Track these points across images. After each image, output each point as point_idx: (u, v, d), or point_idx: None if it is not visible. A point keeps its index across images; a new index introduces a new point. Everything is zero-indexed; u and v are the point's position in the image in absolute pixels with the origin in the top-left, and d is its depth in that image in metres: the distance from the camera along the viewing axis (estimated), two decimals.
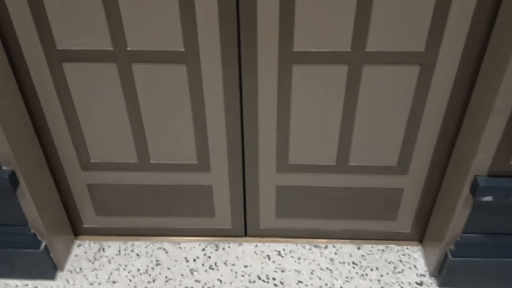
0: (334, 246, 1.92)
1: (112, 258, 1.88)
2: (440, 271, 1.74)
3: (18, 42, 1.39)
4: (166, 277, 1.81)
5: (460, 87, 1.45)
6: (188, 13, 1.33)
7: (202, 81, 1.47)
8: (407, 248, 1.91)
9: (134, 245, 1.93)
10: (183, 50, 1.40)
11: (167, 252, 1.90)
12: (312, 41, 1.38)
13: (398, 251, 1.90)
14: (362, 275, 1.82)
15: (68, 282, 1.80)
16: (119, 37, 1.38)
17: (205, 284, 1.79)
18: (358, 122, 1.55)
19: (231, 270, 1.84)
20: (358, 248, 1.91)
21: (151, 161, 1.69)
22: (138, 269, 1.84)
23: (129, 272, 1.83)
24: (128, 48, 1.40)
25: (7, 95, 1.43)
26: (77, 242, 1.94)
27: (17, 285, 1.79)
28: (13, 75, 1.45)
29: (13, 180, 1.50)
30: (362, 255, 1.89)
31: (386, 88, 1.47)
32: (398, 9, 1.30)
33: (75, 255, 1.89)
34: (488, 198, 1.47)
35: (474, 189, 1.47)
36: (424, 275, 1.81)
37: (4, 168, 1.50)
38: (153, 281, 1.80)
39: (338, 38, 1.36)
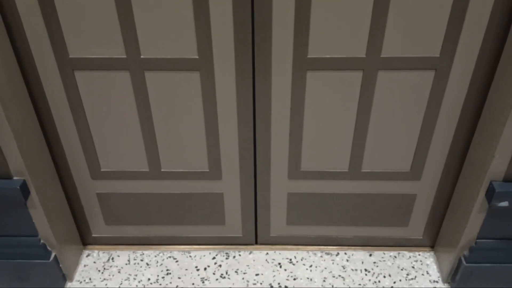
0: (345, 253, 1.91)
1: (122, 267, 1.86)
2: (454, 277, 1.73)
3: (30, 50, 1.38)
4: (177, 286, 1.79)
5: (474, 92, 1.45)
6: (202, 20, 1.32)
7: (215, 88, 1.46)
8: (419, 255, 1.90)
9: (143, 254, 1.91)
10: (197, 57, 1.39)
11: (177, 261, 1.88)
12: (326, 47, 1.37)
13: (410, 257, 1.89)
14: (375, 282, 1.80)
15: None
16: (132, 45, 1.36)
17: None
18: (371, 128, 1.55)
19: (243, 278, 1.82)
20: (370, 255, 1.90)
21: (162, 169, 1.68)
22: (149, 279, 1.82)
23: (139, 282, 1.81)
24: (142, 56, 1.39)
25: (20, 106, 1.42)
26: (86, 252, 1.92)
27: None
28: (24, 84, 1.44)
29: (24, 190, 1.48)
30: (374, 262, 1.87)
31: (400, 94, 1.46)
32: (414, 15, 1.30)
33: (84, 265, 1.87)
34: (504, 204, 1.47)
35: (490, 194, 1.46)
36: (437, 281, 1.80)
37: (15, 178, 1.48)
38: None
39: (353, 44, 1.36)
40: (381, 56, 1.38)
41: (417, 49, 1.36)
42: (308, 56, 1.39)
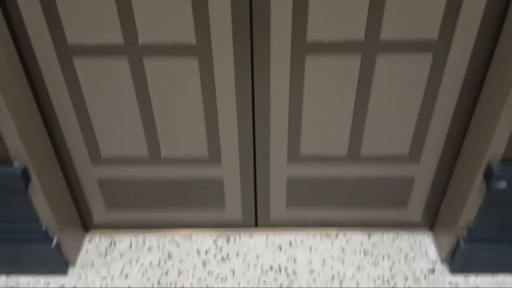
0: (344, 235, 1.93)
1: (124, 252, 1.88)
2: (452, 257, 1.75)
3: (29, 37, 1.37)
4: (178, 269, 1.82)
5: (473, 74, 1.45)
6: (200, 5, 1.31)
7: (214, 73, 1.46)
8: (417, 236, 1.92)
9: (145, 238, 1.93)
10: (195, 42, 1.39)
11: (178, 245, 1.90)
12: (325, 31, 1.37)
13: (409, 238, 1.91)
14: (374, 263, 1.83)
15: (80, 277, 1.80)
16: (130, 30, 1.36)
17: (218, 275, 1.80)
18: (370, 111, 1.55)
19: (243, 261, 1.84)
20: (369, 237, 1.92)
21: (162, 155, 1.68)
22: (150, 262, 1.84)
23: (141, 266, 1.83)
24: (140, 42, 1.38)
25: (18, 92, 1.42)
26: (88, 237, 1.94)
27: (29, 282, 1.79)
28: (23, 71, 1.43)
29: (25, 176, 1.49)
30: (373, 243, 1.89)
31: (399, 77, 1.46)
32: None
33: (86, 250, 1.89)
34: (502, 185, 1.48)
35: (488, 176, 1.48)
36: (435, 262, 1.82)
37: (16, 164, 1.48)
38: (166, 273, 1.80)
39: (351, 27, 1.36)
40: (380, 38, 1.37)
41: (416, 31, 1.36)
42: (307, 40, 1.39)
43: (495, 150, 1.44)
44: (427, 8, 1.31)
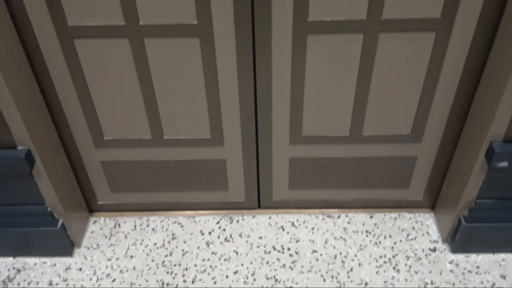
0: (347, 216, 1.94)
1: (128, 233, 1.90)
2: (453, 237, 1.77)
3: (29, 20, 1.37)
4: (182, 250, 1.84)
5: (475, 54, 1.44)
6: None
7: (215, 54, 1.46)
8: (419, 215, 1.93)
9: (149, 220, 1.95)
10: (196, 23, 1.38)
11: (182, 226, 1.92)
12: (327, 10, 1.36)
13: (410, 218, 1.93)
14: (376, 243, 1.85)
15: (86, 258, 1.82)
16: (131, 11, 1.35)
17: (222, 255, 1.82)
18: (372, 92, 1.55)
19: (246, 241, 1.86)
20: (371, 217, 1.93)
21: (165, 137, 1.69)
22: (155, 243, 1.86)
23: (146, 247, 1.85)
24: (140, 23, 1.38)
25: (20, 75, 1.42)
26: (92, 219, 1.96)
27: (35, 263, 1.81)
28: (24, 55, 1.43)
29: (29, 159, 1.50)
30: (375, 224, 1.91)
31: (401, 56, 1.46)
32: None
33: (91, 232, 1.91)
34: (504, 164, 1.49)
35: (490, 155, 1.48)
36: (437, 241, 1.84)
37: (20, 147, 1.49)
38: (170, 254, 1.83)
39: (353, 6, 1.35)
40: (382, 18, 1.36)
41: (418, 10, 1.35)
42: (309, 20, 1.38)
43: (497, 129, 1.44)
44: None
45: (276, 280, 1.74)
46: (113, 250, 1.85)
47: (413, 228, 1.89)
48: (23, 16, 1.36)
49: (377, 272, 1.75)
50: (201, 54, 1.46)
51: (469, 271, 1.75)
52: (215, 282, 1.74)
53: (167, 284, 1.74)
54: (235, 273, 1.76)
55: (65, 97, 1.57)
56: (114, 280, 1.76)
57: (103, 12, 1.36)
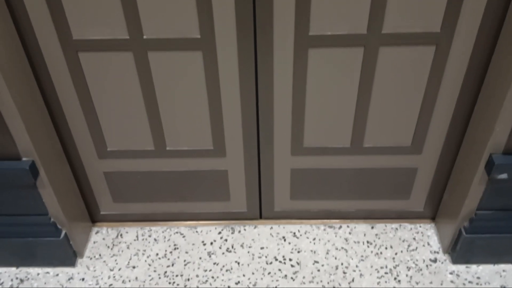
0: (348, 226, 1.95)
1: (131, 243, 1.91)
2: (454, 247, 1.78)
3: (34, 33, 1.39)
4: (184, 260, 1.85)
5: (475, 66, 1.46)
6: (204, 0, 1.33)
7: (218, 67, 1.48)
8: (420, 226, 1.94)
9: (151, 230, 1.96)
10: (199, 36, 1.40)
11: (184, 237, 1.93)
12: (328, 24, 1.38)
13: (411, 229, 1.93)
14: (377, 253, 1.85)
15: (88, 268, 1.83)
16: (135, 25, 1.37)
17: (223, 266, 1.82)
18: (373, 104, 1.57)
19: (248, 252, 1.87)
20: (372, 228, 1.94)
21: (167, 148, 1.71)
22: (157, 254, 1.87)
23: (148, 257, 1.86)
24: (144, 37, 1.40)
25: (25, 88, 1.44)
26: (95, 229, 1.97)
27: (38, 273, 1.82)
28: (29, 67, 1.45)
29: (34, 170, 1.51)
30: (376, 234, 1.92)
31: (401, 69, 1.48)
32: None
33: (94, 242, 1.92)
34: (503, 176, 1.50)
35: (490, 166, 1.49)
36: (437, 252, 1.85)
37: (24, 159, 1.51)
38: (172, 265, 1.84)
39: (354, 20, 1.37)
40: (382, 32, 1.38)
41: (418, 24, 1.37)
42: (310, 34, 1.40)
43: (497, 141, 1.46)
44: (429, 1, 1.32)
45: None
46: (116, 260, 1.86)
47: (414, 238, 1.90)
48: (28, 28, 1.38)
49: (378, 283, 1.76)
50: (204, 67, 1.48)
51: (470, 282, 1.75)
52: None
53: None
54: (236, 283, 1.77)
55: (69, 109, 1.59)
56: None
57: (108, 25, 1.38)
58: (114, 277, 1.80)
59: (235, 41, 1.42)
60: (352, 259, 1.84)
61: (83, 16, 1.36)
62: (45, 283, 1.79)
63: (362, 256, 1.85)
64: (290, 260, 1.84)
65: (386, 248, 1.87)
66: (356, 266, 1.81)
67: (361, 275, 1.78)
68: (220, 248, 1.89)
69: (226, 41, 1.42)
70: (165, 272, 1.81)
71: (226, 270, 1.81)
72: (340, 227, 1.95)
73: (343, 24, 1.38)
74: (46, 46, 1.43)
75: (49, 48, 1.43)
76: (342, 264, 1.82)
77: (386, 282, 1.76)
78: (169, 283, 1.78)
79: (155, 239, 1.92)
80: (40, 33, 1.40)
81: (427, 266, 1.80)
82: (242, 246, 1.89)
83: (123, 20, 1.37)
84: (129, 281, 1.79)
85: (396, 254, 1.85)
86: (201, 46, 1.42)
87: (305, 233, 1.93)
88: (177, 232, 1.95)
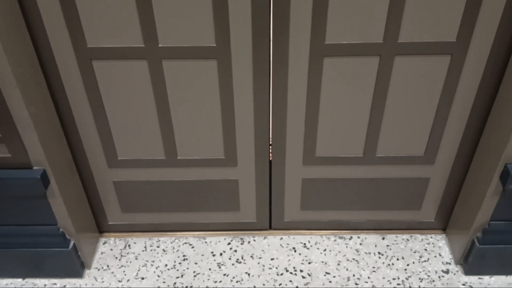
0: (359, 237, 1.93)
1: (139, 254, 1.89)
2: (466, 258, 1.76)
3: (48, 41, 1.38)
4: (194, 271, 1.82)
5: (490, 76, 1.46)
6: (220, 8, 1.32)
7: (232, 76, 1.47)
8: (431, 237, 1.93)
9: (159, 241, 1.93)
10: (215, 45, 1.40)
11: (193, 247, 1.91)
12: (344, 33, 1.38)
13: (422, 240, 1.92)
14: (389, 264, 1.83)
15: (96, 279, 1.80)
16: (150, 33, 1.37)
17: (234, 277, 1.80)
18: (387, 113, 1.56)
19: (258, 263, 1.85)
20: (383, 238, 1.93)
21: (179, 157, 1.69)
22: (166, 265, 1.85)
23: (156, 268, 1.84)
24: (160, 45, 1.39)
25: (39, 96, 1.42)
26: (103, 239, 1.94)
27: (45, 284, 1.79)
28: (43, 74, 1.44)
29: (45, 179, 1.49)
30: (387, 245, 1.90)
31: (416, 79, 1.47)
32: (431, 0, 1.31)
33: (102, 253, 1.89)
34: None
35: (505, 177, 1.48)
36: (449, 263, 1.83)
37: (35, 168, 1.49)
38: (181, 276, 1.81)
39: (370, 29, 1.36)
40: (398, 41, 1.38)
41: (434, 34, 1.37)
42: (326, 42, 1.40)
43: None
44: (446, 11, 1.33)
45: None
46: (124, 271, 1.83)
47: (425, 249, 1.88)
48: (42, 36, 1.37)
49: None
50: (218, 76, 1.47)
51: None
52: None
53: None
54: None
55: (81, 117, 1.57)
56: None
57: (123, 33, 1.37)
58: None
59: (251, 49, 1.41)
60: (363, 270, 1.82)
61: (98, 24, 1.35)
62: None
63: (373, 267, 1.83)
64: (301, 271, 1.82)
65: (397, 259, 1.85)
66: (368, 277, 1.79)
67: (373, 286, 1.76)
68: (229, 259, 1.87)
69: (242, 50, 1.41)
70: (175, 283, 1.78)
71: (237, 282, 1.79)
72: (351, 238, 1.93)
73: (359, 33, 1.37)
74: (60, 54, 1.41)
75: (63, 56, 1.42)
76: (354, 275, 1.80)
77: None
78: None
79: (163, 250, 1.90)
80: (54, 41, 1.39)
81: (439, 277, 1.79)
82: (252, 257, 1.87)
83: (139, 28, 1.36)
84: None
85: (408, 265, 1.83)
86: (216, 54, 1.42)
87: (315, 244, 1.91)
88: (185, 243, 1.92)
